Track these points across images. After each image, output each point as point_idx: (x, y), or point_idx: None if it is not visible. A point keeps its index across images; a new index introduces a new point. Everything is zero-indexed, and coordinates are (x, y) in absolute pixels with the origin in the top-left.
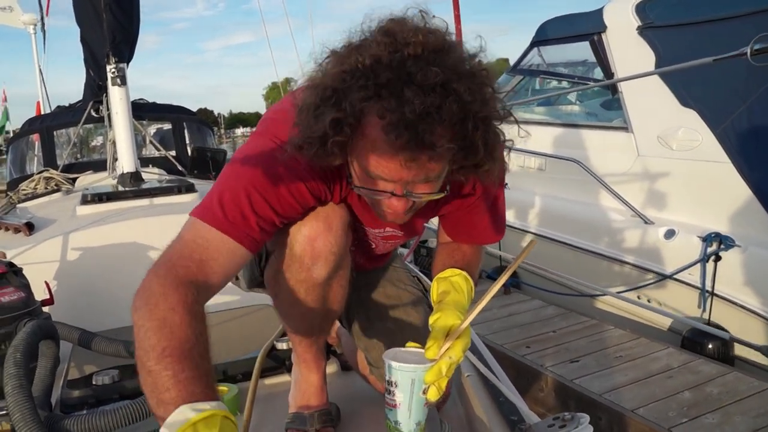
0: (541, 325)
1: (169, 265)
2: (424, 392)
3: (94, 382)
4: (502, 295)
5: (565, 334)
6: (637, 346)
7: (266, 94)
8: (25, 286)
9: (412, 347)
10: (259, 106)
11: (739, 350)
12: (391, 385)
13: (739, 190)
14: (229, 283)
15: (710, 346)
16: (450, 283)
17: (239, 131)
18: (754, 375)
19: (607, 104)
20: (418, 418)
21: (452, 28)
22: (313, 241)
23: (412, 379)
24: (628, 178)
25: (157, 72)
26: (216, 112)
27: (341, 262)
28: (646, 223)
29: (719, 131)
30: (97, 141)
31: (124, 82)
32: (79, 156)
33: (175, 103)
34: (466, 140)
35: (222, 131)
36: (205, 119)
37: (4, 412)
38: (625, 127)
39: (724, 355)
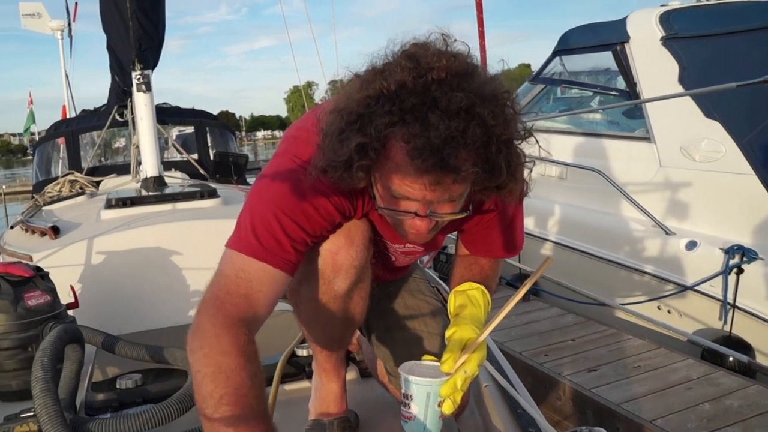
0: (559, 333)
1: (218, 304)
2: (439, 405)
3: (117, 386)
4: (521, 302)
5: (584, 343)
6: (656, 357)
7: (287, 98)
8: (51, 290)
9: (428, 360)
10: (280, 109)
11: (762, 362)
12: (407, 398)
13: (763, 203)
14: None
15: (731, 358)
16: (467, 297)
17: (260, 134)
18: None
19: (629, 113)
20: (433, 430)
21: (475, 33)
22: (335, 255)
23: (428, 392)
24: (650, 189)
25: (180, 76)
26: (238, 115)
27: (362, 276)
28: (667, 234)
29: (743, 143)
30: (120, 143)
31: (149, 88)
32: (103, 159)
33: (198, 106)
34: (489, 163)
35: (243, 134)
36: (226, 122)
37: (32, 413)
38: (648, 138)
39: (745, 368)
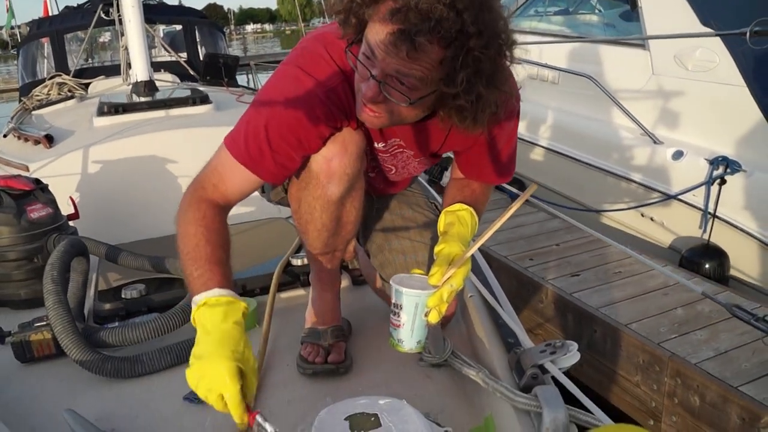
0: (545, 238)
1: (193, 187)
2: (426, 315)
3: (123, 296)
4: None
5: (568, 248)
6: (636, 263)
7: None
8: (52, 202)
9: (417, 273)
10: (270, 1)
11: (735, 270)
12: (397, 307)
13: (752, 115)
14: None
15: (707, 265)
16: (456, 217)
17: (249, 27)
18: (745, 295)
19: (626, 15)
20: (419, 337)
21: None
22: (330, 161)
23: (416, 303)
24: (641, 96)
25: None
26: (226, 8)
27: (354, 184)
28: (655, 142)
29: (737, 53)
30: (105, 37)
31: None
32: (90, 59)
33: None
34: (450, 68)
35: (232, 28)
36: (214, 15)
37: (45, 322)
38: (642, 45)
39: (720, 274)
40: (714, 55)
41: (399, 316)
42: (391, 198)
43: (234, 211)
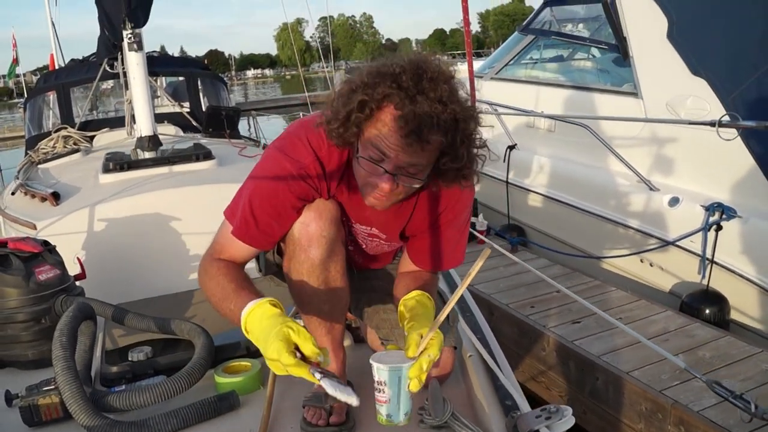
0: (545, 285)
1: (209, 252)
2: (408, 386)
3: (129, 358)
4: (510, 251)
5: (569, 295)
6: (637, 309)
7: (277, 35)
8: (60, 263)
9: (392, 349)
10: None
11: (736, 315)
12: (380, 384)
13: (744, 162)
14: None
15: (707, 311)
16: (416, 301)
17: (250, 73)
18: (746, 340)
19: (619, 61)
20: (406, 409)
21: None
22: (307, 226)
23: (399, 376)
24: (636, 144)
25: (168, 11)
26: (227, 54)
27: (334, 247)
28: (651, 189)
29: (728, 101)
30: (108, 84)
31: (140, 47)
32: (95, 112)
33: (186, 45)
34: (454, 147)
35: (233, 73)
36: (216, 61)
37: (53, 386)
38: (635, 93)
39: (720, 319)
40: (705, 103)
41: (384, 392)
42: (374, 272)
43: None
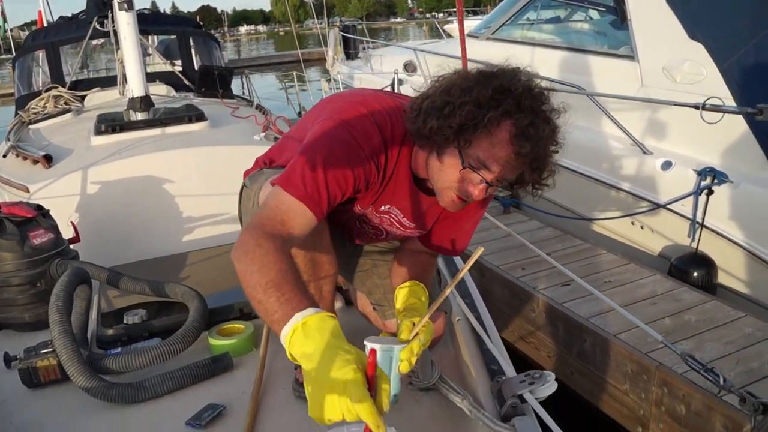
0: (536, 247)
1: (258, 225)
2: (398, 368)
3: (125, 321)
4: (502, 214)
5: (560, 257)
6: (626, 272)
7: None
8: (54, 227)
9: (384, 336)
10: (264, 3)
11: (723, 279)
12: None
13: (738, 127)
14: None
15: (695, 274)
16: (412, 291)
17: (243, 29)
18: (731, 304)
19: (616, 24)
20: (395, 391)
21: None
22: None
23: (391, 357)
24: (631, 107)
25: None
26: (219, 10)
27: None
28: (644, 152)
29: (725, 66)
30: (98, 41)
31: (131, 6)
32: (85, 70)
33: (179, 0)
34: (542, 164)
35: (225, 29)
36: (208, 17)
37: (51, 349)
38: (632, 56)
39: (708, 283)
40: (701, 68)
41: None
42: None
43: (229, 229)
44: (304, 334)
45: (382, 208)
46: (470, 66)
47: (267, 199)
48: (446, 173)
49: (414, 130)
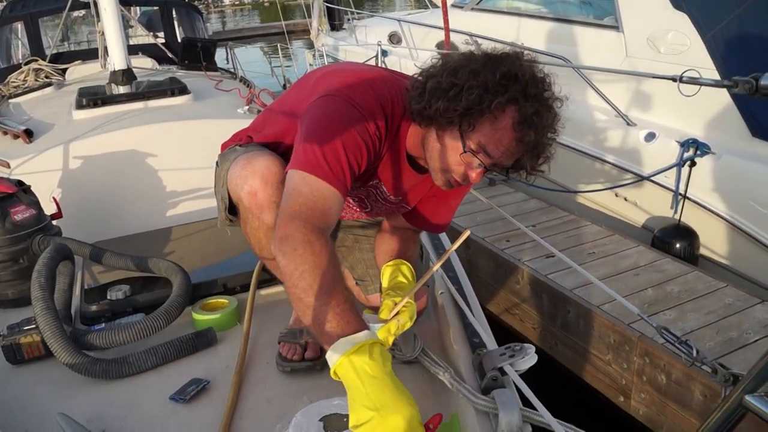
0: (521, 219)
1: (304, 217)
2: None
3: (108, 297)
4: (487, 186)
5: (544, 229)
6: (610, 243)
7: None
8: (35, 203)
9: (367, 313)
10: None
11: (705, 250)
12: None
13: (721, 99)
14: None
15: (678, 245)
16: (399, 270)
17: (227, 0)
18: (712, 275)
19: None
20: None
21: None
22: (255, 195)
23: None
24: (615, 79)
25: None
26: None
27: None
28: (628, 124)
29: (708, 37)
30: (79, 12)
31: None
32: (65, 42)
33: None
34: (542, 151)
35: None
36: None
37: (34, 325)
38: (616, 26)
39: (690, 254)
40: (686, 39)
41: None
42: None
43: (213, 204)
44: (375, 356)
45: (371, 182)
46: (454, 37)
47: (295, 184)
48: (445, 155)
49: (417, 110)
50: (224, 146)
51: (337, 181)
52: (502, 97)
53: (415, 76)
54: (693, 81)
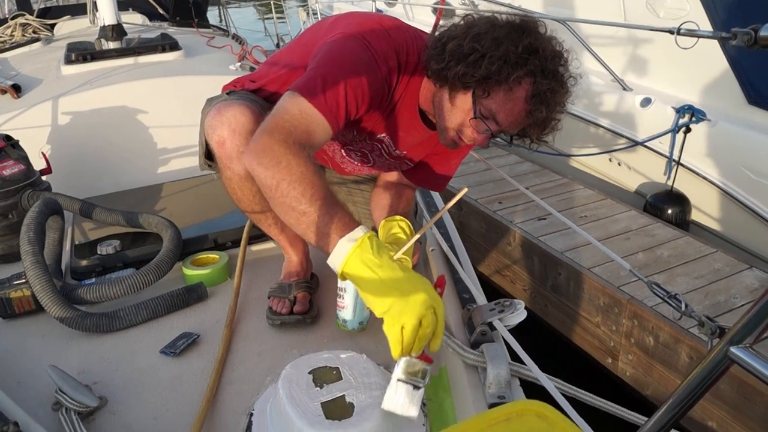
0: (515, 181)
1: (286, 132)
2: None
3: (98, 251)
4: (481, 148)
5: (537, 192)
6: (602, 207)
7: None
8: (24, 158)
9: None
10: None
11: (696, 216)
12: (341, 291)
13: (719, 65)
14: None
15: (670, 211)
16: (399, 227)
17: None
18: (703, 240)
19: None
20: (361, 319)
21: None
22: (222, 145)
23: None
24: (613, 43)
25: None
26: None
27: None
28: (624, 89)
29: (708, 2)
30: None
31: None
32: None
33: None
34: (549, 123)
35: None
36: None
37: (24, 280)
38: None
39: (682, 220)
40: (685, 3)
41: (343, 299)
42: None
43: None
44: (378, 247)
45: (378, 136)
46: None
47: (286, 103)
48: (455, 115)
49: (434, 69)
50: (223, 89)
51: (330, 113)
52: (521, 71)
53: (434, 34)
54: (690, 33)
